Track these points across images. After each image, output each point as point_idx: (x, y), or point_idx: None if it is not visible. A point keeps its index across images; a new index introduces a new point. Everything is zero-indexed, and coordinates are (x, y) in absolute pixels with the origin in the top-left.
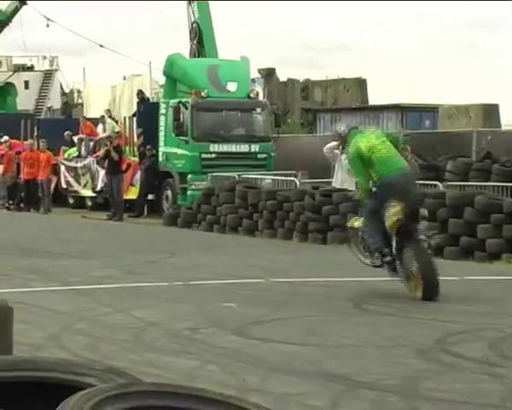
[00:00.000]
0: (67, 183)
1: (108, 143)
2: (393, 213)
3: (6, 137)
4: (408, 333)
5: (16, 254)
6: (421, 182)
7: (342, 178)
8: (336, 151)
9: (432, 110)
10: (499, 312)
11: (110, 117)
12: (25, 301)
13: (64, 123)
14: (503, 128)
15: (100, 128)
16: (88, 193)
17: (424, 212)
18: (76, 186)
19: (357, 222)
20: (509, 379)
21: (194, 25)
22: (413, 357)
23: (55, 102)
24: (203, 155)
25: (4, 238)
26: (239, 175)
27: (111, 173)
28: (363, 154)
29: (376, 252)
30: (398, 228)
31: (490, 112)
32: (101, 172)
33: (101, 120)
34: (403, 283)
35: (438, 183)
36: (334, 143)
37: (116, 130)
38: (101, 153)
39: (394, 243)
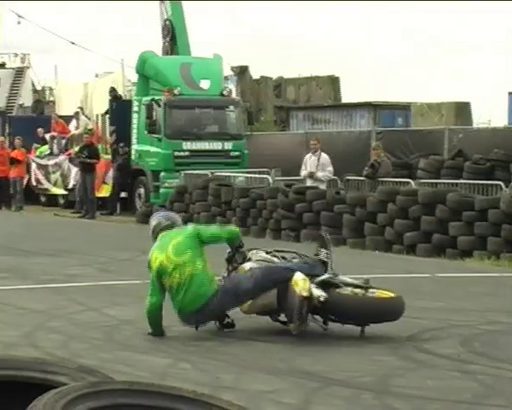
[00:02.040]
0: (37, 180)
1: (82, 156)
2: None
3: None
4: (380, 330)
5: None
6: (394, 179)
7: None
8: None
9: (404, 108)
10: (471, 309)
11: (83, 114)
12: None
13: (36, 120)
14: (475, 126)
15: (72, 125)
16: (59, 191)
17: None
18: (46, 184)
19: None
20: (481, 376)
21: (167, 22)
22: (386, 354)
23: (26, 99)
24: (176, 153)
25: None
26: (212, 173)
27: (85, 171)
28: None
29: None
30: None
31: (462, 110)
32: (74, 170)
33: (76, 116)
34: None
35: (410, 180)
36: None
37: (89, 127)
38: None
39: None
